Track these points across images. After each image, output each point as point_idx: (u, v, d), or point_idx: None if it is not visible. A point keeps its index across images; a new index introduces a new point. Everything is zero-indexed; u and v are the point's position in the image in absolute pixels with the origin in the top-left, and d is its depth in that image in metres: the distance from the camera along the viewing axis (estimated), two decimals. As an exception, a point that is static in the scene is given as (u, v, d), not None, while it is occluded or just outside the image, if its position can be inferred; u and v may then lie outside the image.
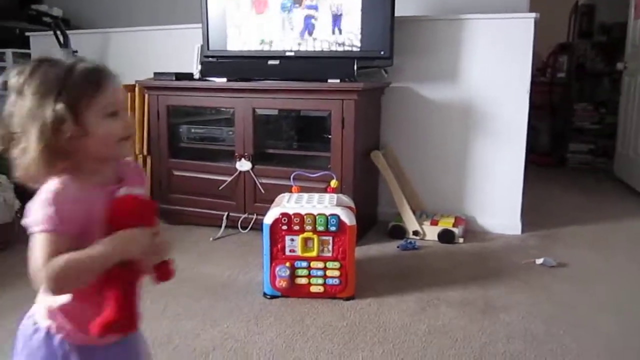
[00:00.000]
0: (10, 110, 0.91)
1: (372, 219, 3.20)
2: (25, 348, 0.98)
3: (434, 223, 2.93)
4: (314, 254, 2.11)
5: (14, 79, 0.91)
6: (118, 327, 0.92)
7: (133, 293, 0.97)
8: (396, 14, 2.80)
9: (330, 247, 2.11)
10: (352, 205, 2.27)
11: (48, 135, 0.88)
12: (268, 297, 2.17)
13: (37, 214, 0.88)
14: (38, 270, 0.86)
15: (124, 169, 1.02)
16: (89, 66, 0.94)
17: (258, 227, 2.56)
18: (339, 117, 2.72)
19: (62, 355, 0.96)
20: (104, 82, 0.95)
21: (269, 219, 2.13)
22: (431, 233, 2.90)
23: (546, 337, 1.87)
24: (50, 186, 0.90)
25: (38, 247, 0.87)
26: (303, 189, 2.37)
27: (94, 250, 0.87)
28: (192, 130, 3.19)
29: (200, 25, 3.14)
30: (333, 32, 2.86)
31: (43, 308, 0.99)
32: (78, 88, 0.91)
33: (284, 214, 2.11)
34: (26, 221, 0.89)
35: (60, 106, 0.88)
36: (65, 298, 0.94)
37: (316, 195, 2.27)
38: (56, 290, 0.88)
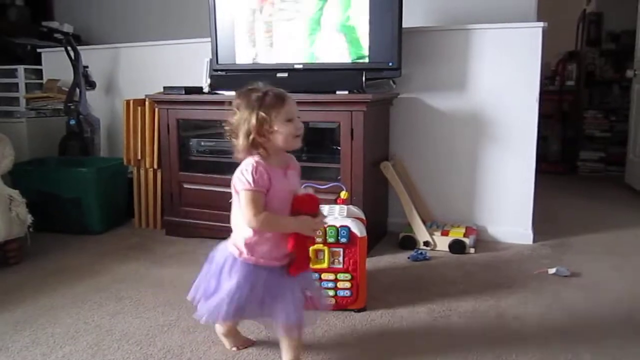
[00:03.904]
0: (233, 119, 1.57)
1: (383, 230, 3.19)
2: (233, 266, 1.61)
3: (445, 233, 2.92)
4: (324, 265, 2.11)
5: (235, 101, 1.58)
6: (298, 266, 1.59)
7: (305, 245, 1.61)
8: (404, 25, 2.81)
9: (340, 258, 2.11)
10: (362, 216, 2.27)
11: (256, 130, 1.52)
12: (279, 309, 2.16)
13: (246, 179, 1.51)
14: (252, 217, 1.51)
15: (287, 158, 1.64)
16: (275, 91, 1.56)
17: (268, 239, 2.56)
18: (348, 128, 2.73)
19: (252, 270, 1.60)
20: (285, 103, 1.55)
21: (279, 230, 2.13)
22: (442, 243, 2.89)
23: (560, 347, 1.85)
24: (249, 162, 1.54)
25: (249, 201, 1.51)
26: (313, 201, 2.36)
27: (285, 220, 1.56)
28: (202, 144, 3.21)
29: (209, 39, 3.17)
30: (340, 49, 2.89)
31: (233, 246, 1.63)
32: (269, 107, 1.52)
33: (294, 226, 2.11)
34: (235, 185, 1.55)
35: (261, 114, 1.51)
36: (249, 240, 1.59)
37: (326, 207, 2.27)
38: (262, 229, 1.55)
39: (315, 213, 1.58)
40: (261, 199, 1.51)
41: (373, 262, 2.68)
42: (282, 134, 1.53)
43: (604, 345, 1.86)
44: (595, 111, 5.40)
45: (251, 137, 1.52)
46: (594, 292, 2.33)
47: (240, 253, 1.60)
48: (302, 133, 1.58)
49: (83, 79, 3.71)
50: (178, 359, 1.80)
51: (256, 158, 1.54)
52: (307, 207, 1.54)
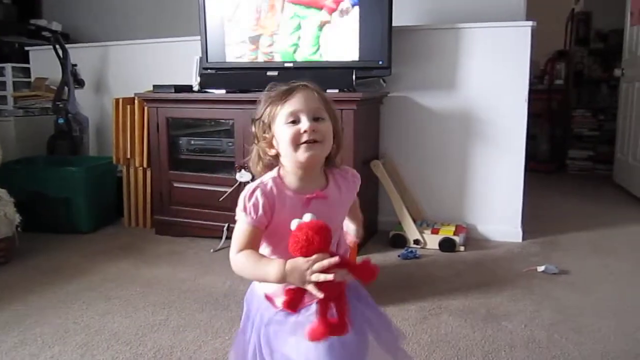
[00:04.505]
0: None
1: (373, 229, 3.20)
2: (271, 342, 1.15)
3: (435, 231, 2.93)
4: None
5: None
6: (331, 333, 1.04)
7: (333, 306, 1.04)
8: (393, 24, 2.82)
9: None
10: (353, 214, 2.27)
11: (257, 141, 1.16)
12: (270, 308, 2.15)
13: (239, 204, 1.11)
14: (230, 254, 1.09)
15: (337, 177, 1.18)
16: (284, 87, 1.15)
17: (259, 238, 2.56)
18: (338, 127, 2.72)
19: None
20: (289, 97, 1.12)
21: (269, 229, 2.12)
22: (432, 242, 2.90)
23: (549, 344, 1.87)
24: (254, 183, 1.13)
25: (234, 233, 1.09)
26: (303, 199, 2.36)
27: (266, 265, 1.03)
28: (192, 142, 3.19)
29: (199, 37, 3.16)
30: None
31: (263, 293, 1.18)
32: (270, 104, 1.13)
33: (284, 225, 2.09)
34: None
35: (261, 120, 1.14)
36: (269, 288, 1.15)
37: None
38: (238, 273, 1.09)
39: (311, 255, 0.99)
40: (249, 233, 1.08)
41: (363, 261, 2.68)
42: (282, 140, 1.11)
43: (593, 342, 1.88)
44: (584, 110, 5.45)
45: (254, 147, 1.17)
46: (582, 290, 2.35)
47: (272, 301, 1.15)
48: (313, 139, 1.09)
49: (72, 77, 3.68)
50: (168, 359, 1.80)
51: (271, 175, 1.15)
52: (294, 244, 1.01)
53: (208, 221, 3.06)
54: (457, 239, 2.87)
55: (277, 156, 1.15)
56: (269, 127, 1.13)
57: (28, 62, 4.24)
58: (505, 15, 3.05)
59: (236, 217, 1.11)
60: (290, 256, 1.01)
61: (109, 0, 4.42)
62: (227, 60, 3.11)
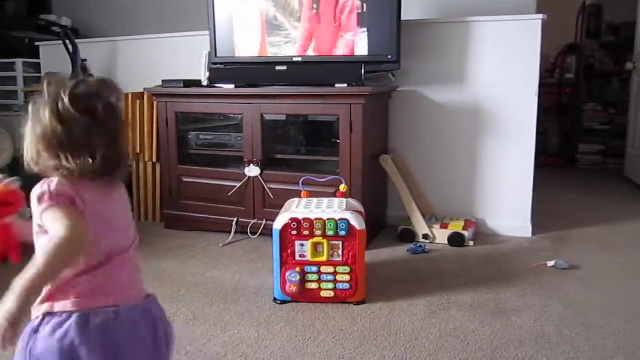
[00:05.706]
0: None
1: (382, 223, 3.19)
2: None
3: (444, 226, 2.93)
4: (324, 258, 2.11)
5: None
6: None
7: None
8: (403, 18, 2.81)
9: (340, 251, 2.11)
10: (362, 209, 2.27)
11: None
12: (278, 302, 2.17)
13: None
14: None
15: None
16: None
17: (267, 232, 2.57)
18: (347, 121, 2.72)
19: None
20: None
21: (278, 224, 2.13)
22: (441, 236, 2.89)
23: (559, 340, 1.86)
24: None
25: None
26: (312, 194, 2.37)
27: None
28: (201, 137, 3.20)
29: (208, 32, 3.16)
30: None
31: None
32: None
33: (293, 219, 2.11)
34: None
35: None
36: None
37: (325, 200, 2.28)
38: None
39: None
40: None
41: (372, 255, 2.68)
42: None
43: (603, 337, 1.87)
44: (595, 104, 5.41)
45: None
46: (592, 285, 2.33)
47: None
48: None
49: (81, 72, 3.70)
50: (178, 353, 1.81)
51: None
52: None
53: (217, 216, 3.07)
54: (466, 233, 2.86)
55: None
56: None
57: (38, 58, 4.26)
58: (515, 9, 3.03)
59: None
60: None
61: (118, -5, 4.44)
62: (236, 55, 3.11)
